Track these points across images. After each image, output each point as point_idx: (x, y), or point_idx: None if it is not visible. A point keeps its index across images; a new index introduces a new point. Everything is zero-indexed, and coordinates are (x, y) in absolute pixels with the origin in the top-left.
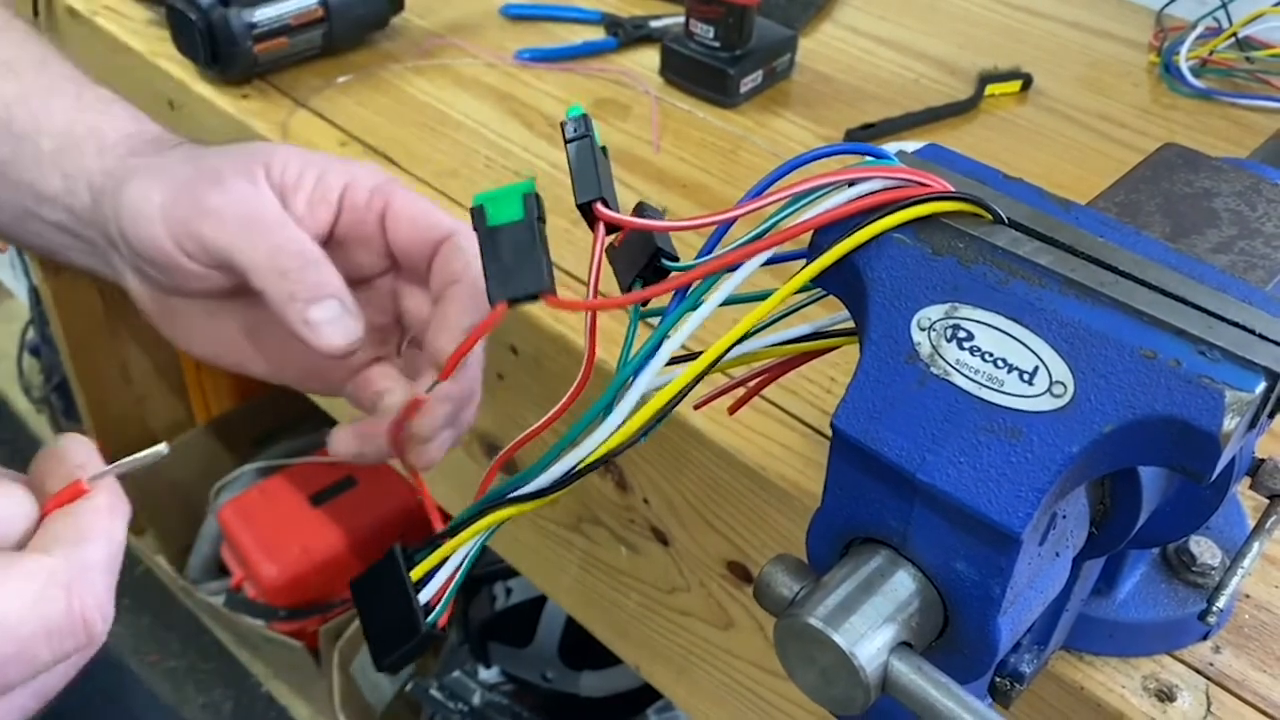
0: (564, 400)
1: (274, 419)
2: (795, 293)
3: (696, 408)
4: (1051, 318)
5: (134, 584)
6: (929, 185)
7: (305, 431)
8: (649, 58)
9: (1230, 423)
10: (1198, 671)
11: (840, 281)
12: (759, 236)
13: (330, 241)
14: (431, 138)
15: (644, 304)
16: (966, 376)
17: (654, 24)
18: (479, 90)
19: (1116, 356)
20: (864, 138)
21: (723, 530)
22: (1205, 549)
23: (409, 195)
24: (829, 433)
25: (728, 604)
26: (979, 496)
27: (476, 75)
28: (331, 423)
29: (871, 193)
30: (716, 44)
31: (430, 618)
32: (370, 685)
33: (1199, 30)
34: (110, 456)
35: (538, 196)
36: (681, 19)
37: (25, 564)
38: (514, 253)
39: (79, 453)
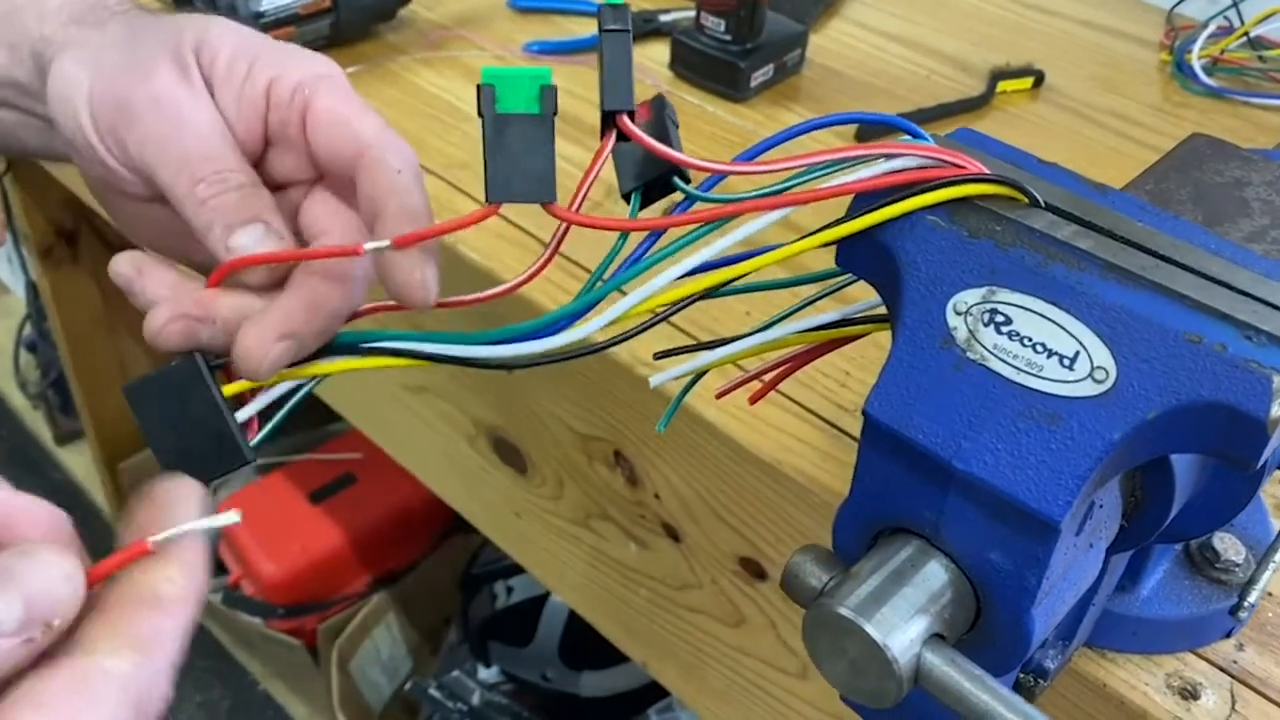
0: (507, 286)
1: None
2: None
3: (718, 396)
4: (1093, 302)
5: None
6: (964, 166)
7: (303, 428)
8: (657, 51)
9: (1278, 408)
10: (1221, 669)
11: (871, 263)
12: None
13: (266, 145)
14: (441, 130)
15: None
16: (1004, 361)
17: (662, 18)
18: None
19: (1160, 341)
20: (876, 133)
21: (736, 525)
22: (1229, 545)
23: (333, 95)
24: (844, 426)
25: (739, 601)
26: (1017, 484)
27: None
28: (334, 418)
29: (907, 169)
30: (728, 37)
31: (252, 443)
32: (369, 684)
33: (1211, 29)
34: (109, 455)
35: (554, 90)
36: (689, 13)
37: (92, 681)
38: (521, 149)
39: (176, 503)
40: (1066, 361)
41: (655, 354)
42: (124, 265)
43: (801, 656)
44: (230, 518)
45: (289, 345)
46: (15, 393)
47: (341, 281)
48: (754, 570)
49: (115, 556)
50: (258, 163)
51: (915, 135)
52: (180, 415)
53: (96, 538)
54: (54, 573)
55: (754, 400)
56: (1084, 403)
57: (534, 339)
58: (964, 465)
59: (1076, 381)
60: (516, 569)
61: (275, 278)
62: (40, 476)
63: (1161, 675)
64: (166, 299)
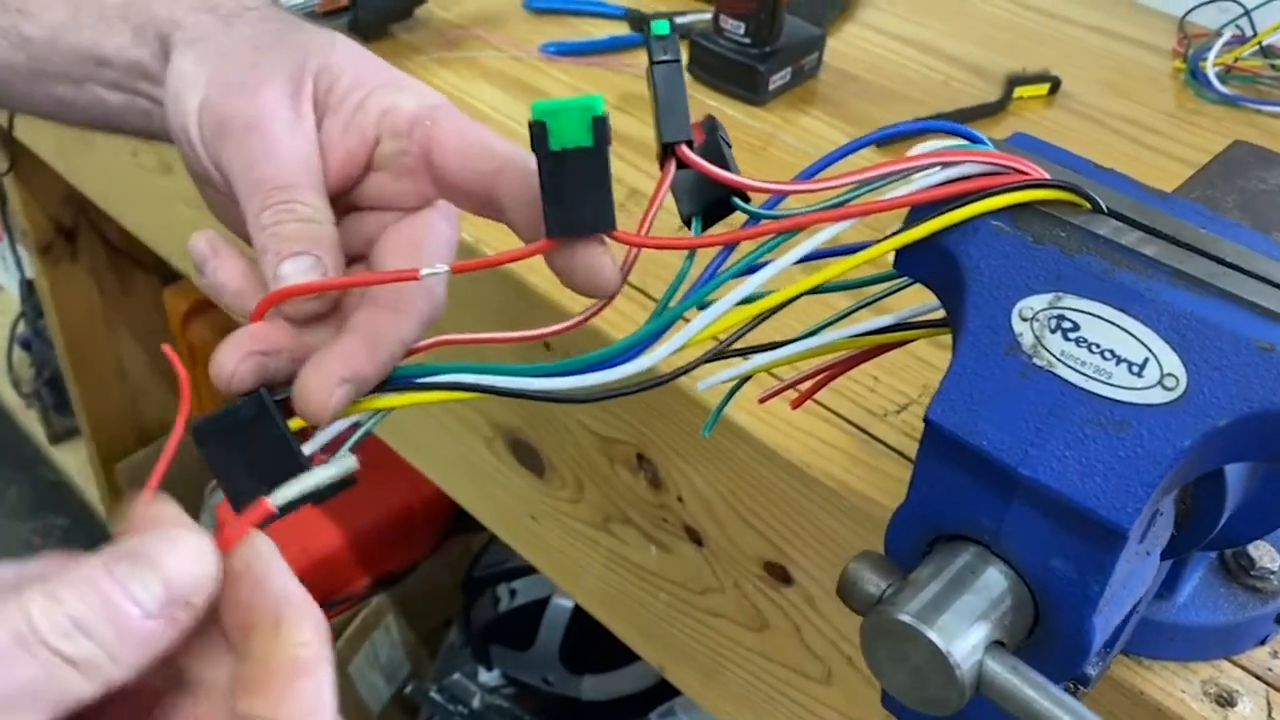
0: (578, 319)
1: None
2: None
3: (761, 401)
4: (1162, 309)
5: None
6: (1026, 172)
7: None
8: None
9: None
10: (1256, 677)
11: (932, 268)
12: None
13: (368, 167)
14: None
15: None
16: (1072, 368)
17: (678, 20)
18: (504, 83)
19: (1231, 349)
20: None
21: (761, 529)
22: (1265, 553)
23: (454, 121)
24: (874, 431)
25: (763, 605)
26: (1085, 492)
27: (502, 68)
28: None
29: (966, 177)
30: (747, 40)
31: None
32: (367, 686)
33: (1226, 38)
34: (105, 455)
35: (606, 120)
36: (704, 15)
37: None
38: (578, 183)
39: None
40: (1135, 368)
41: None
42: (201, 243)
43: (826, 661)
44: (348, 463)
45: (350, 389)
46: (9, 391)
47: (402, 314)
48: (779, 575)
49: (238, 521)
50: (354, 186)
51: (975, 141)
52: (248, 452)
53: (90, 538)
54: (186, 551)
55: (796, 405)
56: (1154, 410)
57: (602, 369)
58: (1031, 472)
59: (1146, 389)
60: (519, 572)
61: (326, 308)
62: (33, 476)
63: (1198, 683)
64: (234, 292)
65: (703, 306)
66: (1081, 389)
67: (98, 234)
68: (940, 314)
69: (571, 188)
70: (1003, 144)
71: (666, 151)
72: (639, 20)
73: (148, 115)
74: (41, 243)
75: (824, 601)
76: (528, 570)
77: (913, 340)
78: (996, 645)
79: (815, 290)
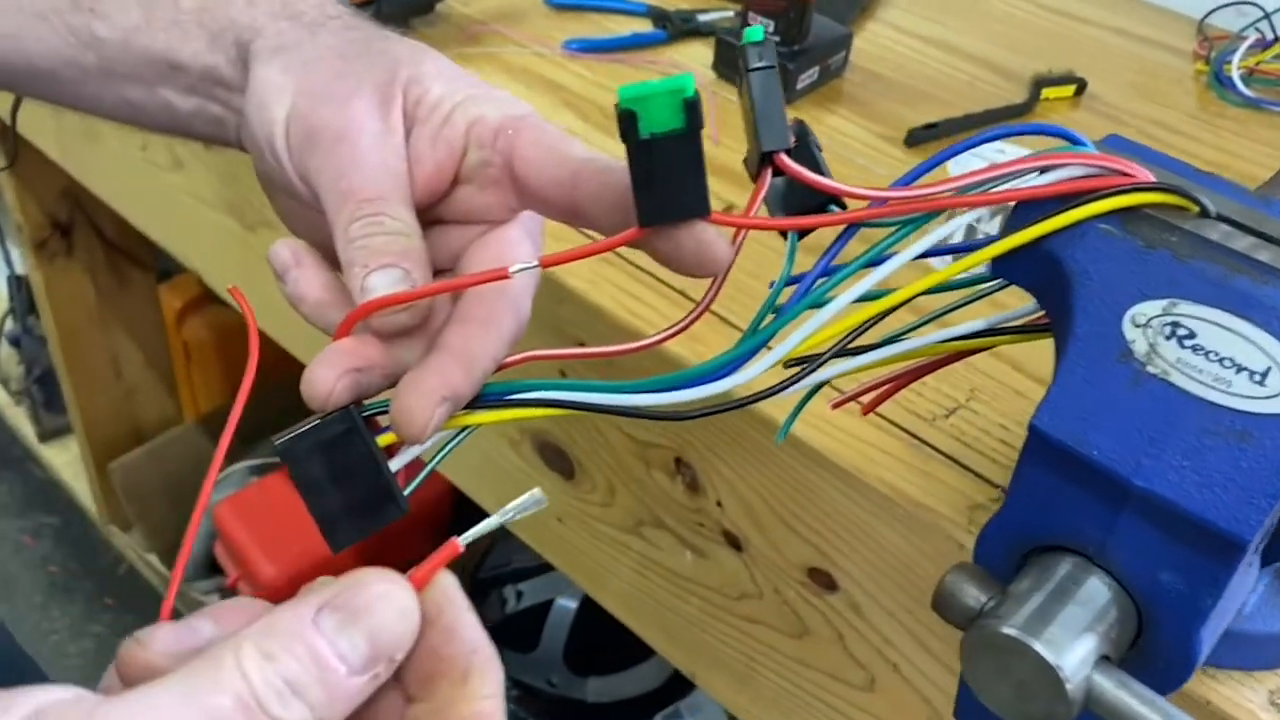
0: (689, 318)
1: (267, 415)
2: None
3: (835, 407)
4: None
5: (118, 583)
6: (1132, 174)
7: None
8: (699, 52)
9: None
10: None
11: (1035, 272)
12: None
13: (455, 180)
14: None
15: (803, 234)
16: (1189, 376)
17: (701, 18)
18: (528, 80)
19: None
20: (926, 138)
21: (807, 535)
22: None
23: (535, 130)
24: (925, 436)
25: (805, 612)
26: (1203, 503)
27: (525, 65)
28: None
29: (1072, 179)
30: (776, 39)
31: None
32: None
33: (1250, 41)
34: (98, 454)
35: (698, 101)
36: (727, 13)
37: None
38: (670, 169)
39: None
40: (1257, 377)
41: (787, 361)
42: (285, 251)
43: (869, 669)
44: (536, 499)
45: (449, 407)
46: None
47: (492, 331)
48: (824, 581)
49: (429, 561)
50: (441, 199)
51: (1076, 143)
52: (335, 469)
53: (80, 538)
54: (393, 607)
55: (867, 411)
56: (1276, 420)
57: (700, 384)
58: (1145, 483)
59: (1268, 398)
60: (525, 573)
61: (416, 320)
62: (21, 475)
63: (1265, 692)
64: (314, 303)
65: (820, 305)
66: (1199, 398)
67: (94, 230)
68: (1032, 319)
69: (663, 174)
70: (1101, 145)
71: (764, 160)
72: (662, 18)
73: (219, 123)
74: (37, 239)
75: (870, 608)
76: (533, 572)
77: (1003, 345)
78: (1104, 660)
79: (928, 291)
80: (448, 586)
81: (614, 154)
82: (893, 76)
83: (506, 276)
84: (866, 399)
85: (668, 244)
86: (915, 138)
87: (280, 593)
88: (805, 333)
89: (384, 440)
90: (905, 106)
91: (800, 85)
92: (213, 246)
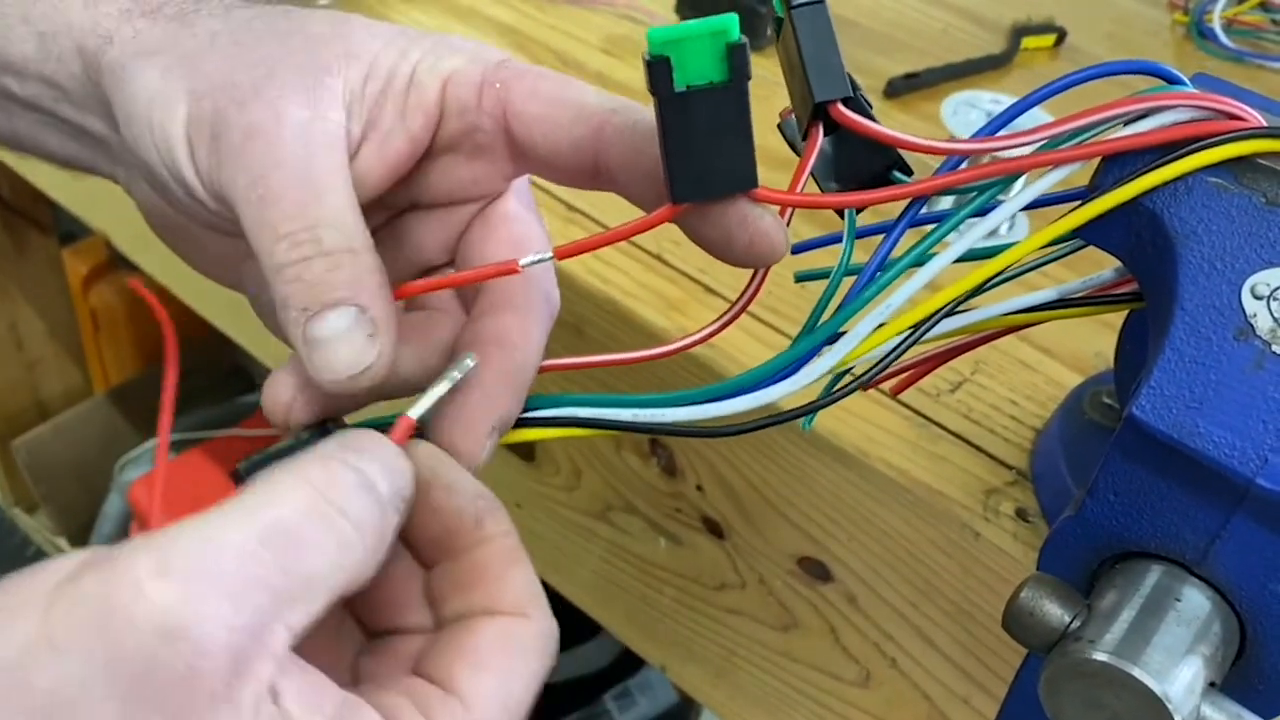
0: (713, 328)
1: (181, 388)
2: (1046, 245)
3: (866, 388)
4: None
5: (26, 566)
6: (1243, 118)
7: (218, 400)
8: None
9: None
10: None
11: (1128, 234)
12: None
13: (430, 153)
14: None
15: (859, 210)
16: None
17: None
18: (479, 23)
19: None
20: (906, 88)
21: (799, 522)
22: None
23: (527, 78)
24: (929, 414)
25: (793, 603)
26: None
27: (474, 6)
28: (256, 388)
29: (1174, 124)
30: None
31: None
32: None
33: None
34: (0, 430)
35: (744, 47)
36: None
37: (517, 635)
38: (710, 131)
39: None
40: None
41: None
42: (283, 392)
43: (864, 664)
44: (467, 364)
45: (498, 436)
46: None
47: (534, 325)
48: (816, 571)
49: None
50: (415, 179)
51: (1173, 81)
52: None
53: None
54: (389, 446)
55: (898, 391)
56: None
57: (754, 391)
58: (1271, 484)
59: None
60: None
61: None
62: None
63: None
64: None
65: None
66: None
67: None
68: (1124, 288)
69: (702, 137)
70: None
71: (816, 113)
72: None
73: (74, 142)
74: None
75: (867, 599)
76: None
77: (1078, 317)
78: (1211, 688)
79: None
80: (432, 449)
81: None
82: (868, 24)
83: (516, 270)
84: (891, 381)
85: (713, 229)
86: (895, 88)
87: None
88: (876, 320)
89: None
90: (881, 56)
91: (771, 33)
92: (121, 207)
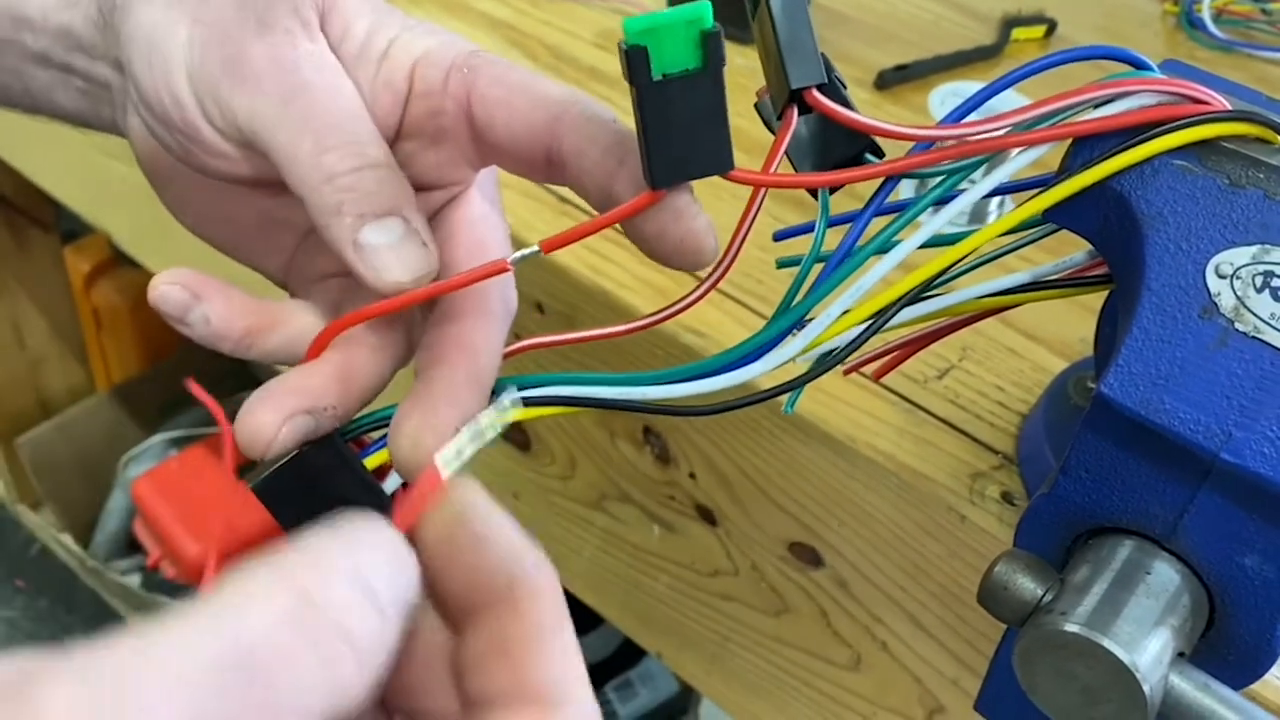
0: (683, 303)
1: (184, 385)
2: (1006, 233)
3: (846, 373)
4: None
5: (30, 563)
6: (1208, 102)
7: (221, 396)
8: None
9: None
10: None
11: (1097, 216)
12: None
13: (397, 137)
14: None
15: (833, 190)
16: None
17: None
18: (472, 18)
19: None
20: (897, 80)
21: (790, 508)
22: None
23: (496, 67)
24: (917, 400)
25: (785, 588)
26: None
27: (467, 1)
28: (258, 384)
29: (1141, 109)
30: None
31: None
32: None
33: None
34: (4, 429)
35: (719, 34)
36: None
37: None
38: (686, 117)
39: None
40: None
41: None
42: (174, 289)
43: (855, 647)
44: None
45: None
46: None
47: (494, 324)
48: (807, 556)
49: (411, 495)
50: None
51: (1141, 67)
52: (317, 503)
53: None
54: (384, 546)
55: (879, 376)
56: None
57: (731, 370)
58: (1235, 458)
59: None
60: None
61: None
62: None
63: None
64: (241, 337)
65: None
66: None
67: None
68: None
69: (679, 123)
70: (1162, 69)
71: (791, 99)
72: None
73: (87, 95)
74: None
75: (858, 584)
76: None
77: (1052, 299)
78: (1179, 658)
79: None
80: (465, 487)
81: None
82: (859, 16)
83: (507, 269)
84: (874, 366)
85: (647, 223)
86: (886, 80)
87: (204, 573)
88: (844, 305)
89: (375, 461)
90: (872, 48)
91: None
92: (123, 205)
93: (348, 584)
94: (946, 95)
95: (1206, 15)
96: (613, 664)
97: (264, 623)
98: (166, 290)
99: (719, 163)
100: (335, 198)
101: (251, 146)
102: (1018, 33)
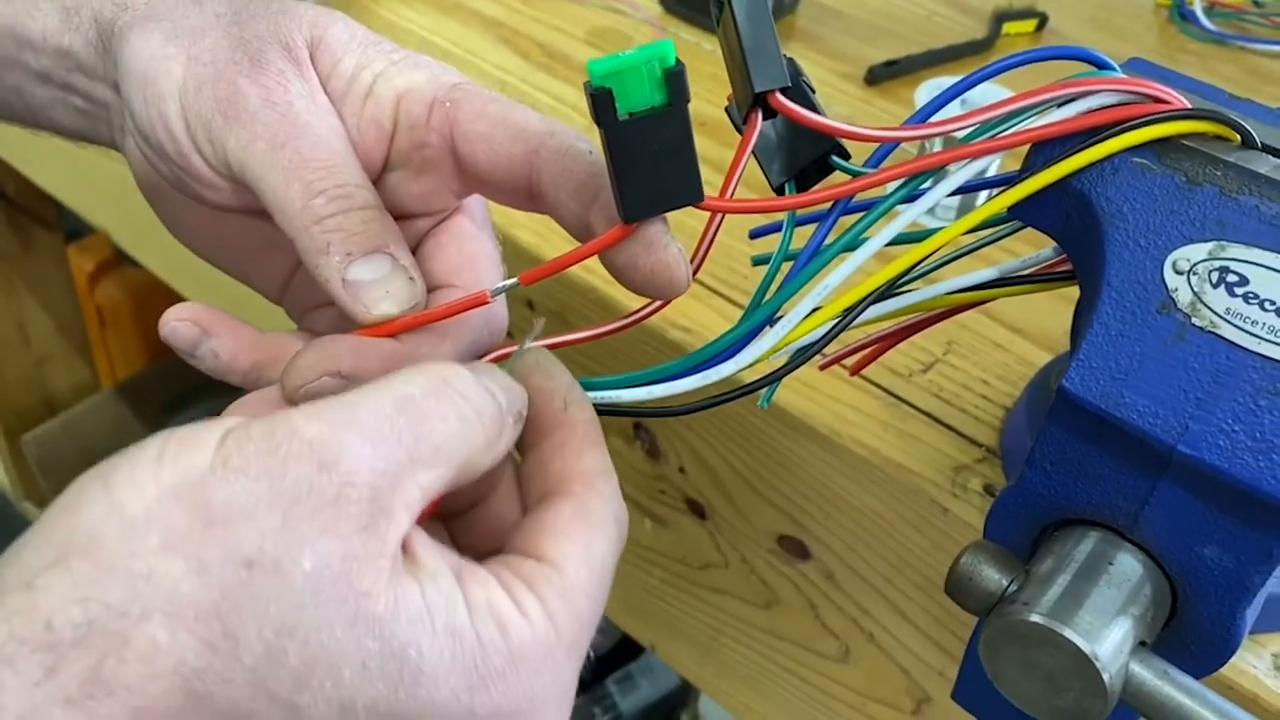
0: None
1: (188, 380)
2: (971, 230)
3: (822, 368)
4: None
5: None
6: (1166, 100)
7: (223, 393)
8: None
9: None
10: None
11: (1059, 214)
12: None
13: (384, 168)
14: None
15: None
16: (1240, 329)
17: None
18: (465, 17)
19: None
20: (887, 75)
21: (777, 502)
22: None
23: (478, 100)
24: (901, 393)
25: (774, 581)
26: (1259, 472)
27: (460, 1)
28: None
29: (1101, 108)
30: None
31: None
32: None
33: None
34: (9, 426)
35: (682, 70)
36: None
37: (592, 508)
38: (655, 152)
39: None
40: None
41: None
42: (184, 325)
43: (844, 639)
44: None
45: None
46: None
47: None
48: (795, 549)
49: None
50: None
51: (1102, 67)
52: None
53: None
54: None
55: (855, 371)
56: None
57: (704, 370)
58: (1191, 450)
59: None
60: None
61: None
62: None
63: (1268, 656)
64: (248, 370)
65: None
66: (1253, 353)
67: None
68: (1043, 267)
69: (648, 158)
70: (1127, 69)
71: (755, 102)
72: None
73: (85, 116)
74: None
75: (845, 576)
76: None
77: (1018, 295)
78: (1140, 646)
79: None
80: (541, 350)
81: (557, 96)
82: (850, 12)
83: (487, 302)
84: (852, 360)
85: (618, 254)
86: (876, 75)
87: None
88: (813, 302)
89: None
90: (863, 43)
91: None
92: (124, 205)
93: (473, 380)
94: (933, 90)
95: (1198, 8)
96: (613, 658)
97: (418, 385)
98: (176, 326)
99: (689, 194)
100: (323, 238)
101: (241, 184)
102: (1009, 27)
